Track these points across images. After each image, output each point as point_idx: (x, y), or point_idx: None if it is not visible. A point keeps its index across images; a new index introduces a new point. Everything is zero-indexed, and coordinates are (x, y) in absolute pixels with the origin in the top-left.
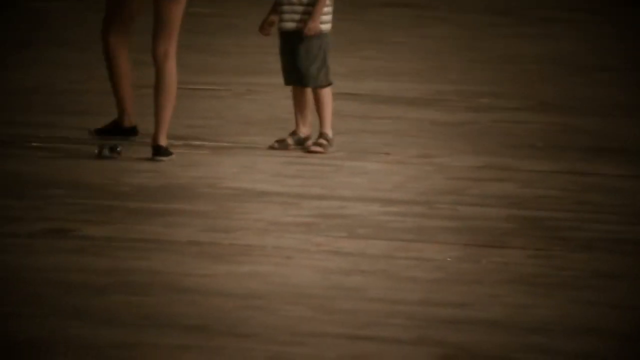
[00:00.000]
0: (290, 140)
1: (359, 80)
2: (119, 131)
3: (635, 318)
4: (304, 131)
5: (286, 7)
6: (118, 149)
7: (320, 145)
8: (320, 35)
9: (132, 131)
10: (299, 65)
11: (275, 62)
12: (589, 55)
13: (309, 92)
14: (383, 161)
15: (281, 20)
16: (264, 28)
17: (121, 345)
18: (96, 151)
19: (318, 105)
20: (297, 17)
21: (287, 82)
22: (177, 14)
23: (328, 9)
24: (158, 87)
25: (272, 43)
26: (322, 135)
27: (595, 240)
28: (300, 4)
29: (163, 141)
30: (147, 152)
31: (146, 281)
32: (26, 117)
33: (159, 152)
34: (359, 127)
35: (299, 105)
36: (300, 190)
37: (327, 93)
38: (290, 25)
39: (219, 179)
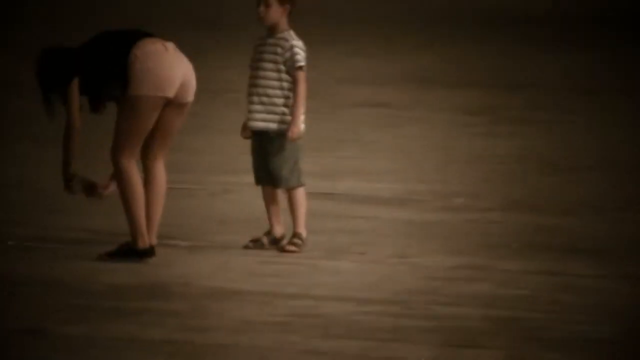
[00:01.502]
0: (265, 240)
1: (335, 179)
2: (133, 253)
3: None
4: (278, 230)
5: (257, 107)
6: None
7: (294, 244)
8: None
9: (151, 251)
10: (271, 166)
11: (249, 162)
12: (560, 154)
13: (280, 192)
14: (358, 261)
15: (251, 120)
16: (244, 130)
17: None
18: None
19: (291, 206)
20: (268, 116)
21: (258, 181)
22: (179, 125)
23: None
24: (147, 189)
25: (247, 142)
26: (295, 235)
27: (569, 341)
28: (272, 104)
29: (153, 241)
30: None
31: None
32: (1, 214)
33: (150, 253)
34: (334, 227)
35: (270, 205)
36: (275, 289)
37: (300, 193)
38: (260, 124)
39: (194, 277)
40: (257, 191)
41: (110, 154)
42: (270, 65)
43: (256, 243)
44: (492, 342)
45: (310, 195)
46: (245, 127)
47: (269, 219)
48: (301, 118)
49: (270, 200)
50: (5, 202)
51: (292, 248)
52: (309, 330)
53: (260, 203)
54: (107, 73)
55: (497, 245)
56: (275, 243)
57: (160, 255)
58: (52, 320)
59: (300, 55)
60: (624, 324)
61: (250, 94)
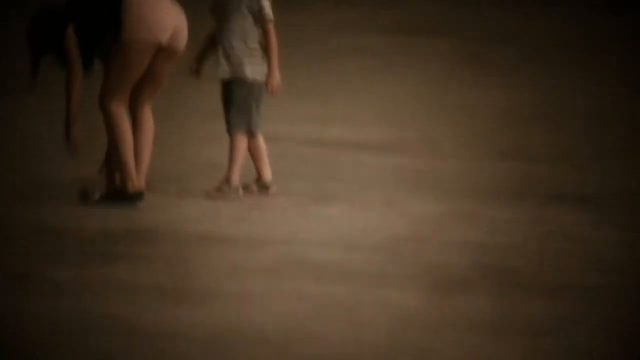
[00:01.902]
0: (254, 187)
1: (324, 126)
2: (124, 196)
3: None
4: (266, 175)
5: (222, 58)
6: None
7: (219, 189)
8: (247, 84)
9: (139, 196)
10: (224, 111)
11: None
12: (549, 104)
13: (258, 138)
14: (347, 207)
15: (219, 70)
16: (195, 72)
17: None
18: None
19: (230, 151)
20: (232, 66)
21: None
22: (167, 75)
23: (263, 59)
24: (135, 135)
25: None
26: (225, 180)
27: (557, 288)
28: (235, 54)
29: (143, 186)
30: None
31: (109, 324)
32: None
33: (139, 197)
34: (323, 173)
35: (250, 152)
36: (264, 235)
37: (240, 140)
38: (225, 74)
39: (183, 223)
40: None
41: (98, 100)
42: (235, 15)
43: (246, 189)
44: (480, 289)
45: (299, 141)
46: (195, 69)
47: (254, 165)
48: (260, 68)
49: (249, 148)
50: None
51: (214, 194)
52: (298, 275)
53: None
54: (101, 18)
55: (486, 192)
56: (265, 188)
57: (150, 200)
58: (41, 265)
59: (268, 6)
60: (612, 271)
61: (213, 43)
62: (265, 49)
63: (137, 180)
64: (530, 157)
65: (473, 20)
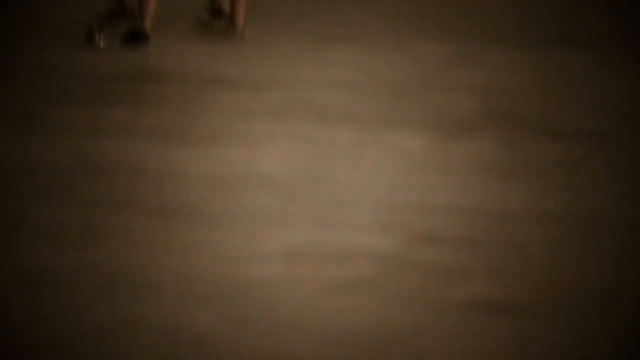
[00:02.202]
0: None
1: None
2: (134, 36)
3: (597, 205)
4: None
5: None
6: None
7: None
8: None
9: (142, 35)
10: None
11: None
12: None
13: None
14: (352, 48)
15: None
16: None
17: (85, 226)
18: (96, 38)
19: None
20: None
21: None
22: None
23: None
24: None
25: None
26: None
27: (563, 131)
28: None
29: (148, 28)
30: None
31: (113, 163)
32: None
33: (143, 37)
34: (328, 15)
35: None
36: (270, 75)
37: None
38: None
39: (189, 64)
40: None
41: None
42: None
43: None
44: (485, 132)
45: None
46: None
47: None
48: None
49: None
50: None
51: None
52: (304, 116)
53: None
54: None
55: (493, 35)
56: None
57: (156, 42)
58: (47, 105)
59: None
60: (618, 115)
61: None
62: None
63: (145, 22)
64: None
65: None
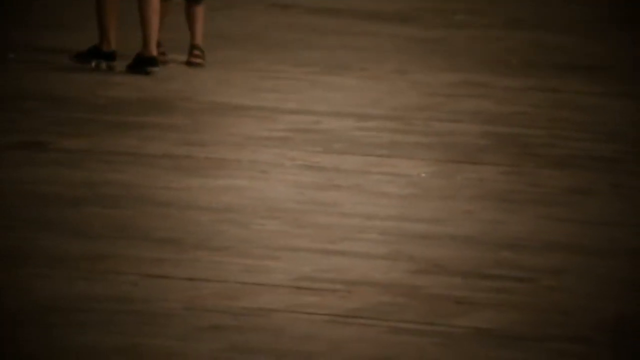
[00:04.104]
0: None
1: None
2: (98, 55)
3: (604, 234)
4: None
5: None
6: (112, 64)
7: (199, 56)
8: None
9: (111, 56)
10: None
11: None
12: None
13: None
14: (358, 76)
15: None
16: None
17: (93, 256)
18: (93, 64)
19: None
20: None
21: None
22: None
23: None
24: (142, 0)
25: None
26: (197, 46)
27: (567, 157)
28: None
29: (153, 52)
30: (125, 65)
31: (120, 194)
32: (0, 29)
33: (151, 63)
34: (335, 43)
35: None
36: (276, 105)
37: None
38: None
39: (195, 93)
40: (258, 6)
41: None
42: None
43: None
44: (491, 158)
45: (312, 11)
46: None
47: (197, 29)
48: None
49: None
50: (2, 17)
51: (198, 60)
52: (309, 145)
53: (260, 19)
54: None
55: (498, 62)
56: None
57: (161, 69)
58: (53, 134)
59: None
60: (623, 141)
61: None
62: None
63: (150, 48)
64: (541, 26)
65: None
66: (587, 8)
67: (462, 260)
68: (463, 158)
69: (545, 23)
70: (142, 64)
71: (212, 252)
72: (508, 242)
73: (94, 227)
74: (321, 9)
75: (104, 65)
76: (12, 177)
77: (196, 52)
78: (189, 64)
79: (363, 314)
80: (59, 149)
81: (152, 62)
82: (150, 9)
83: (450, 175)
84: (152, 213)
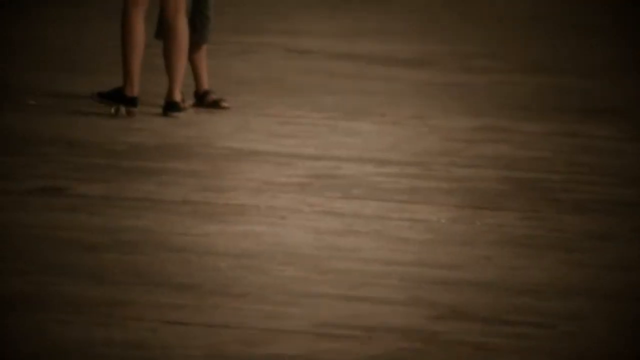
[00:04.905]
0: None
1: (354, 41)
2: (120, 99)
3: (625, 279)
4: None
5: None
6: (132, 110)
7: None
8: None
9: (133, 102)
10: (206, 20)
11: (269, 21)
12: (581, 14)
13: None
14: (377, 122)
15: None
16: None
17: (112, 302)
18: (112, 110)
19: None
20: None
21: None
22: None
23: None
24: (171, 44)
25: (270, 2)
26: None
27: (587, 202)
28: None
29: (177, 97)
30: (145, 111)
31: (139, 240)
32: (20, 73)
33: (174, 107)
34: (353, 88)
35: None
36: (295, 150)
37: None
38: None
39: (213, 138)
40: (276, 51)
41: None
42: None
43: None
44: (510, 204)
45: (330, 56)
46: None
47: (202, 73)
48: None
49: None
50: (21, 60)
51: (226, 104)
52: (328, 191)
53: (277, 64)
54: None
55: (517, 106)
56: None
57: (180, 115)
58: (72, 180)
59: None
60: None
61: None
62: None
63: (172, 93)
64: (560, 70)
65: None
66: (606, 52)
67: (481, 306)
68: (482, 203)
69: (565, 67)
70: (165, 109)
71: (232, 298)
72: (527, 287)
73: (112, 273)
74: (339, 54)
75: (123, 111)
76: (30, 222)
77: (214, 96)
78: (215, 106)
79: (382, 359)
80: (77, 195)
81: (175, 107)
82: (177, 51)
83: (470, 220)
84: (170, 259)
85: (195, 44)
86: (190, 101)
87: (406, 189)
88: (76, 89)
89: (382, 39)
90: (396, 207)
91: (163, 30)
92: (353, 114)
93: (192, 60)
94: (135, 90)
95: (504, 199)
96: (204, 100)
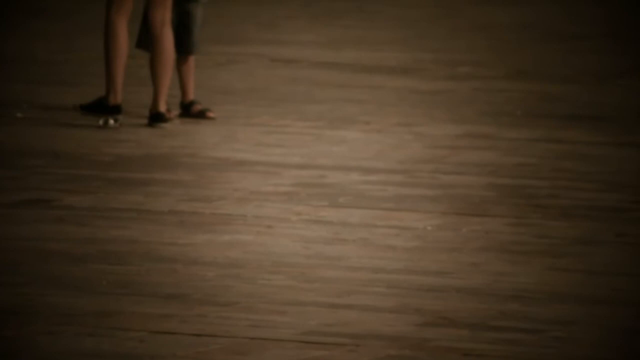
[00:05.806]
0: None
1: (338, 49)
2: (103, 108)
3: (611, 284)
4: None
5: None
6: (118, 121)
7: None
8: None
9: (117, 109)
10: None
11: (254, 31)
12: (565, 22)
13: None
14: (363, 130)
15: None
16: None
17: (100, 313)
18: (101, 122)
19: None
20: None
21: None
22: None
23: None
24: (157, 55)
25: (254, 12)
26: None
27: (573, 208)
28: None
29: (162, 107)
30: (131, 122)
31: (126, 250)
32: (7, 86)
33: (158, 118)
34: (338, 96)
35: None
36: (281, 160)
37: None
38: None
39: (199, 148)
40: (261, 61)
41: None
42: None
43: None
44: (496, 210)
45: (314, 64)
46: None
47: (188, 83)
48: None
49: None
50: (7, 75)
51: (213, 114)
52: (315, 199)
53: (263, 74)
54: None
55: (502, 113)
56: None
57: (166, 125)
58: (59, 191)
59: None
60: (629, 191)
61: None
62: None
63: (158, 104)
64: (545, 77)
65: None
66: (590, 58)
67: (468, 312)
68: (468, 210)
69: (549, 74)
70: (150, 120)
71: (219, 307)
72: (514, 293)
73: (99, 284)
74: (323, 63)
75: (111, 122)
76: (17, 234)
77: (199, 106)
78: (201, 117)
79: None
80: (65, 206)
81: (160, 117)
82: (163, 62)
83: (456, 227)
84: (158, 269)
85: (184, 55)
86: (175, 112)
87: (392, 196)
88: (63, 102)
89: (366, 48)
90: (382, 214)
91: (144, 40)
92: (338, 122)
93: (179, 71)
94: (119, 97)
95: (490, 206)
96: (189, 111)
